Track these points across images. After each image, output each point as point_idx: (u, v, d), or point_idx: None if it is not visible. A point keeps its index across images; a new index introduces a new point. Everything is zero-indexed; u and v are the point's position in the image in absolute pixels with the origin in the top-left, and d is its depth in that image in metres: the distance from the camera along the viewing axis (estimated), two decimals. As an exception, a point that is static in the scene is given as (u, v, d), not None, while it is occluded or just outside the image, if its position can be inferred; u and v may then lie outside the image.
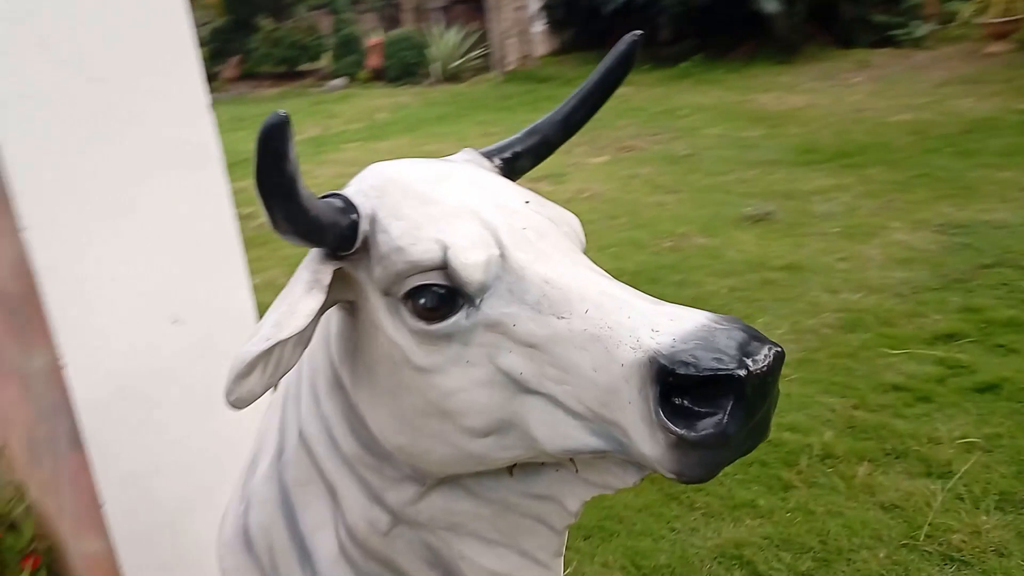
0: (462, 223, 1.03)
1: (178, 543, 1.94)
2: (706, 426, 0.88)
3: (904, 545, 2.52)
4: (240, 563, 1.41)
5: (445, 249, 1.00)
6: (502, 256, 1.01)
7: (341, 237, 1.05)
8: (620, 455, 0.97)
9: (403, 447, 1.11)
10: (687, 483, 0.95)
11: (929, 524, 2.58)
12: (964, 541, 2.49)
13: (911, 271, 4.70)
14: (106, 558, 1.94)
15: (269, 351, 0.98)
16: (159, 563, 1.95)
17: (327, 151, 10.32)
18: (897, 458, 2.94)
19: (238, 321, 1.93)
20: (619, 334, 0.93)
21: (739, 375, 0.87)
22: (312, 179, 8.79)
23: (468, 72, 15.11)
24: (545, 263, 1.02)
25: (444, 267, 0.99)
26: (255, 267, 6.13)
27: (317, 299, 1.03)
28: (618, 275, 3.95)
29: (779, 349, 0.93)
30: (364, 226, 1.06)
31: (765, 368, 0.90)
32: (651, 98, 11.07)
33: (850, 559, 2.49)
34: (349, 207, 1.07)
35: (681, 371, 0.87)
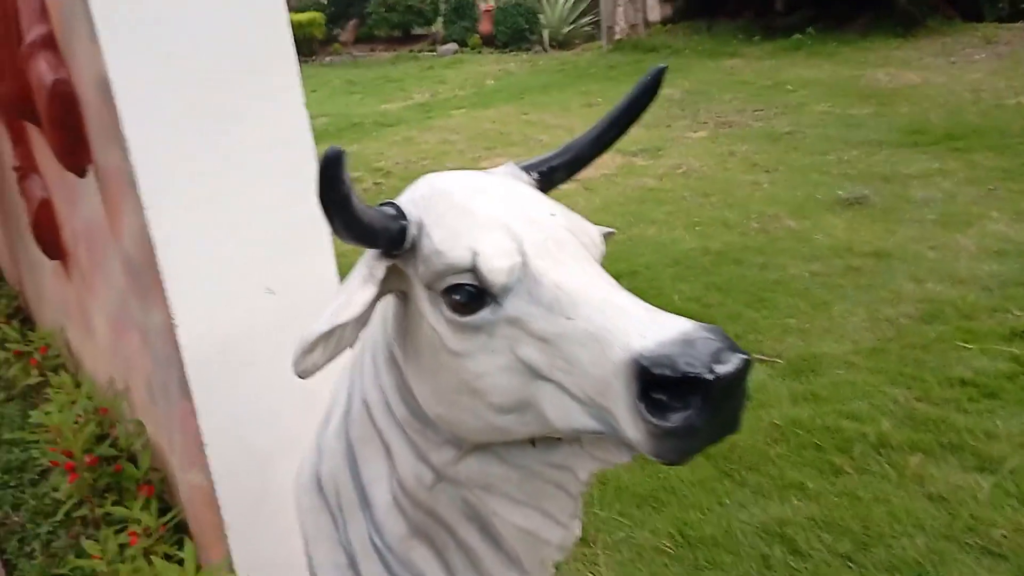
0: (492, 233, 1.22)
1: (266, 481, 2.23)
2: (677, 419, 1.05)
3: (945, 536, 2.62)
4: (313, 504, 1.67)
5: (476, 256, 1.20)
6: (524, 263, 1.20)
7: (392, 240, 1.26)
8: (613, 437, 1.16)
9: (442, 416, 1.33)
10: (666, 464, 1.13)
11: (972, 517, 2.66)
12: (1005, 536, 2.57)
13: (1002, 264, 4.63)
14: (207, 491, 2.25)
15: (330, 332, 1.22)
16: (250, 497, 2.24)
17: (434, 117, 10.61)
18: (952, 451, 3.01)
19: (322, 293, 2.19)
20: (613, 336, 1.11)
21: (707, 378, 1.04)
22: (417, 145, 9.11)
23: (577, 40, 15.13)
24: (559, 271, 1.21)
25: (474, 270, 1.19)
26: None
27: (371, 291, 1.25)
28: (702, 254, 4.18)
29: (747, 358, 1.09)
30: (412, 231, 1.27)
31: (731, 373, 1.06)
32: (759, 71, 10.90)
33: (889, 545, 2.60)
34: (400, 214, 1.28)
35: (658, 371, 1.05)
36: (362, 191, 7.70)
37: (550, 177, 1.47)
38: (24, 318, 4.89)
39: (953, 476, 2.87)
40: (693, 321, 1.12)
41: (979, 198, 5.73)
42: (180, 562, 2.37)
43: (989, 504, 2.71)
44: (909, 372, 3.58)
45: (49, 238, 3.37)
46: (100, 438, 3.17)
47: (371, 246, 1.27)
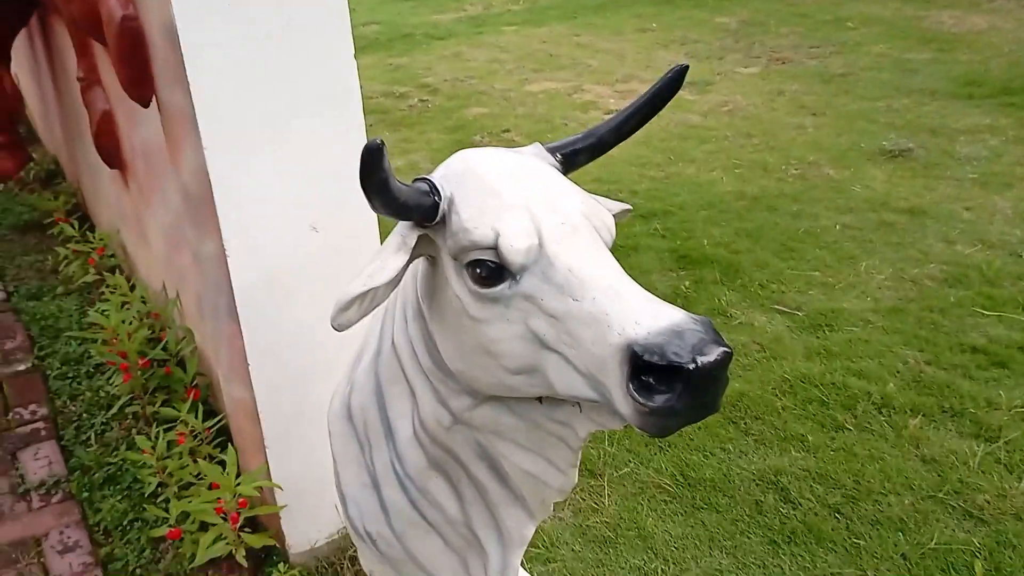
0: (515, 215, 1.37)
1: (304, 400, 2.44)
2: (661, 400, 1.21)
3: (931, 496, 2.78)
4: (343, 430, 1.86)
5: (497, 236, 1.34)
6: (540, 245, 1.35)
7: (424, 213, 1.41)
8: (607, 406, 1.32)
9: (460, 371, 1.50)
10: (651, 436, 1.30)
11: (960, 481, 2.82)
12: (988, 502, 2.72)
13: (1036, 230, 4.65)
14: (249, 405, 2.47)
15: (364, 293, 1.38)
16: (289, 414, 2.46)
17: (485, 32, 10.55)
18: (952, 417, 3.14)
19: (362, 233, 2.35)
20: (612, 321, 1.26)
21: (689, 368, 1.19)
22: (466, 62, 9.11)
23: (637, -44, 14.70)
24: (572, 255, 1.35)
25: (496, 248, 1.34)
26: (402, 148, 6.65)
27: (402, 258, 1.41)
28: (737, 198, 4.33)
29: (727, 351, 1.24)
30: (444, 206, 1.42)
31: (711, 365, 1.21)
32: (821, 4, 10.61)
33: (877, 501, 2.77)
34: (432, 191, 1.42)
35: (647, 357, 1.20)
36: (408, 108, 7.79)
37: (572, 160, 1.60)
38: (82, 215, 5.14)
39: (949, 440, 3.02)
40: (685, 313, 1.27)
41: (1025, 159, 5.68)
42: (222, 464, 2.62)
43: (978, 470, 2.86)
44: (923, 335, 3.68)
45: (109, 148, 3.55)
46: (151, 341, 3.42)
47: (406, 219, 1.42)
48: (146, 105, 2.51)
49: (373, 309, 1.44)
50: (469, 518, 1.75)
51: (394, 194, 1.33)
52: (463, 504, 1.74)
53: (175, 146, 2.37)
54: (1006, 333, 3.65)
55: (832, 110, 6.98)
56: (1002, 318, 3.77)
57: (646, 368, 1.21)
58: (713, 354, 1.21)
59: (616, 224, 1.68)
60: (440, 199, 1.41)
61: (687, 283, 4.25)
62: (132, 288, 3.84)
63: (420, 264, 1.57)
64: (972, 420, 3.11)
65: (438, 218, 1.41)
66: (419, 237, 1.44)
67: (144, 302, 3.68)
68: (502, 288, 1.35)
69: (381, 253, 1.43)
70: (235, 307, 2.30)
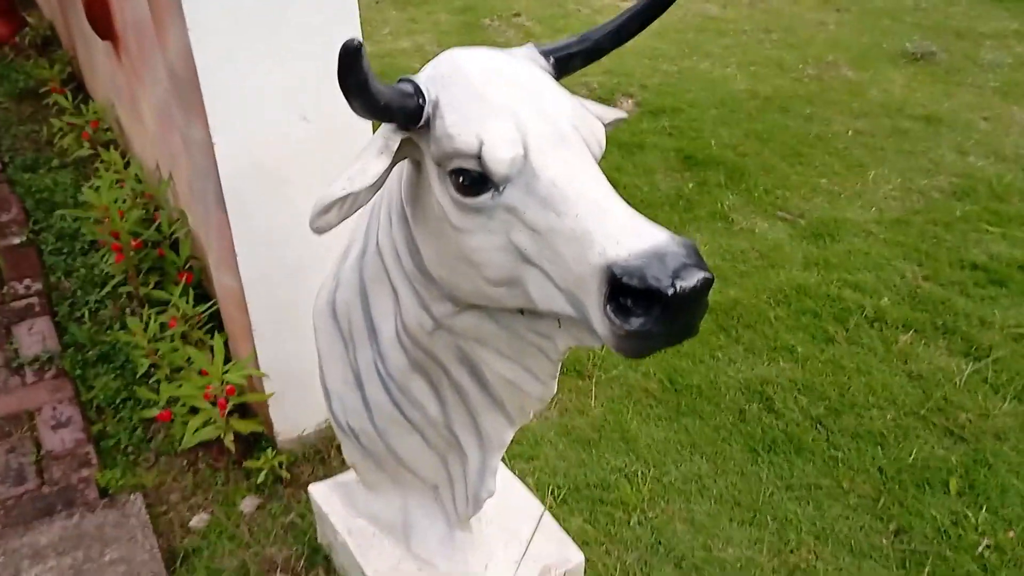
0: (500, 123, 1.31)
1: (294, 291, 2.42)
2: (637, 323, 1.19)
3: (913, 412, 2.80)
4: (327, 326, 1.86)
5: (481, 144, 1.29)
6: (525, 156, 1.30)
7: (407, 116, 1.35)
8: (585, 324, 1.30)
9: (442, 278, 1.48)
10: (627, 357, 1.28)
11: (944, 398, 2.83)
12: (970, 420, 2.75)
13: (1052, 145, 4.54)
14: (238, 294, 2.46)
15: (344, 197, 1.35)
16: (278, 304, 2.45)
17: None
18: (943, 334, 3.14)
19: (355, 124, 2.27)
20: (593, 239, 1.23)
21: (667, 292, 1.16)
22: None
23: None
24: (557, 168, 1.30)
25: (479, 158, 1.30)
26: (407, 28, 6.44)
27: (384, 162, 1.37)
28: (750, 98, 4.24)
29: (708, 276, 1.21)
30: (428, 109, 1.36)
31: (689, 290, 1.18)
32: None
33: (859, 414, 2.79)
34: (417, 92, 1.36)
35: (625, 280, 1.17)
36: None
37: (567, 64, 1.52)
38: (78, 85, 5.02)
39: (937, 358, 3.02)
40: (669, 233, 1.23)
41: (1050, 69, 5.49)
42: (213, 350, 2.63)
43: (964, 388, 2.87)
44: (925, 248, 3.64)
45: (101, 19, 3.43)
46: (146, 221, 3.38)
47: (389, 121, 1.37)
48: (131, -22, 2.40)
49: (354, 212, 1.40)
50: (450, 420, 1.77)
51: (375, 96, 1.28)
52: (444, 406, 1.74)
53: (160, 25, 2.28)
54: (1008, 251, 3.61)
55: (857, 6, 6.72)
56: (1006, 235, 3.72)
57: (625, 290, 1.18)
58: (693, 279, 1.18)
59: (623, 120, 1.62)
60: (424, 102, 1.35)
61: (691, 185, 4.18)
62: (127, 165, 3.78)
63: (405, 166, 1.52)
64: (963, 338, 3.10)
65: (422, 121, 1.36)
66: (403, 140, 1.39)
67: (139, 181, 3.63)
68: (484, 198, 1.31)
69: (363, 155, 1.38)
70: (222, 195, 2.26)
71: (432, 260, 1.48)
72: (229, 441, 2.54)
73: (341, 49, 1.20)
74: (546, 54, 1.51)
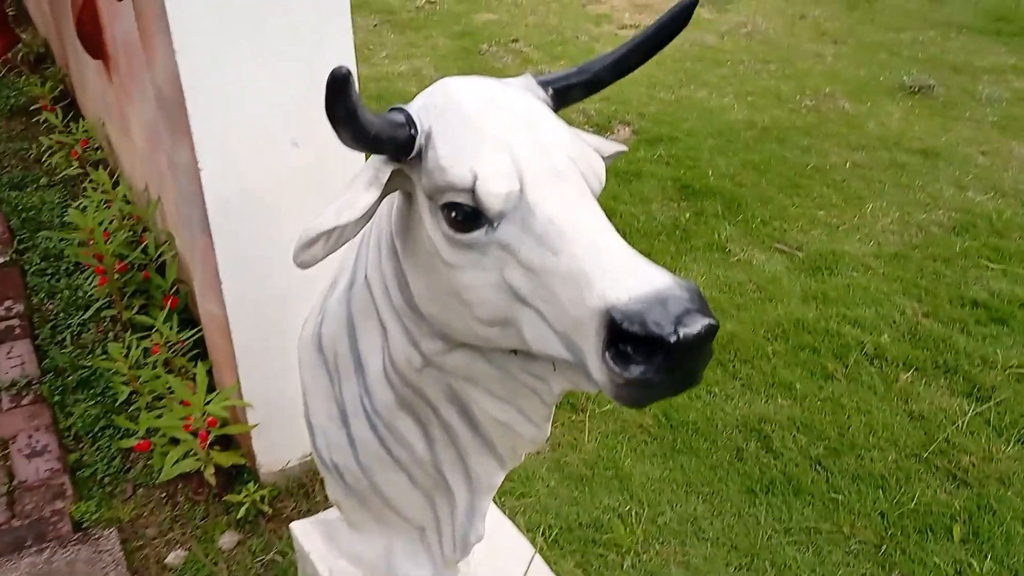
0: (495, 156, 1.25)
1: (280, 320, 2.35)
2: (637, 372, 1.12)
3: (915, 455, 2.73)
4: (313, 360, 1.78)
5: (475, 178, 1.23)
6: (521, 191, 1.23)
7: (398, 147, 1.29)
8: (582, 369, 1.23)
9: (432, 315, 1.41)
10: (626, 405, 1.21)
11: (946, 440, 2.76)
12: (973, 464, 2.68)
13: (1051, 182, 4.50)
14: (222, 321, 2.38)
15: (331, 230, 1.28)
16: (262, 332, 2.38)
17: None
18: (944, 373, 3.07)
19: (345, 152, 2.21)
20: (591, 280, 1.16)
21: (669, 340, 1.10)
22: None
23: None
24: (554, 204, 1.24)
25: (473, 192, 1.23)
26: (405, 52, 6.41)
27: (374, 194, 1.30)
28: (747, 128, 4.14)
29: (712, 323, 1.14)
30: (420, 140, 1.30)
31: (693, 338, 1.11)
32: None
33: (860, 455, 2.72)
34: (409, 122, 1.30)
35: (626, 326, 1.10)
36: (415, 9, 7.48)
37: (566, 95, 1.46)
38: (70, 102, 4.97)
39: (939, 398, 2.95)
40: (671, 275, 1.16)
41: (1048, 104, 5.48)
42: (195, 378, 2.55)
43: (967, 430, 2.81)
44: (924, 284, 3.59)
45: (92, 37, 3.37)
46: (133, 243, 3.31)
47: (378, 153, 1.31)
48: (120, -2, 2.34)
49: (341, 245, 1.33)
50: (438, 460, 1.69)
51: (364, 126, 1.22)
52: (432, 445, 1.67)
53: (148, 44, 2.22)
54: (1009, 288, 3.55)
55: (854, 38, 6.72)
56: (1007, 272, 3.67)
57: (624, 336, 1.12)
58: (696, 326, 1.12)
59: (622, 154, 1.57)
60: (416, 132, 1.29)
61: (688, 215, 4.12)
62: (115, 185, 3.71)
63: (396, 198, 1.46)
64: (965, 378, 3.04)
65: (414, 153, 1.29)
66: (394, 172, 1.33)
67: (127, 201, 3.56)
68: (478, 234, 1.25)
69: (351, 187, 1.32)
70: (208, 220, 2.19)
71: (422, 296, 1.42)
72: (209, 474, 2.45)
73: (329, 77, 1.14)
74: (544, 85, 1.45)
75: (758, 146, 4.87)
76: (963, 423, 2.83)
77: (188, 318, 3.02)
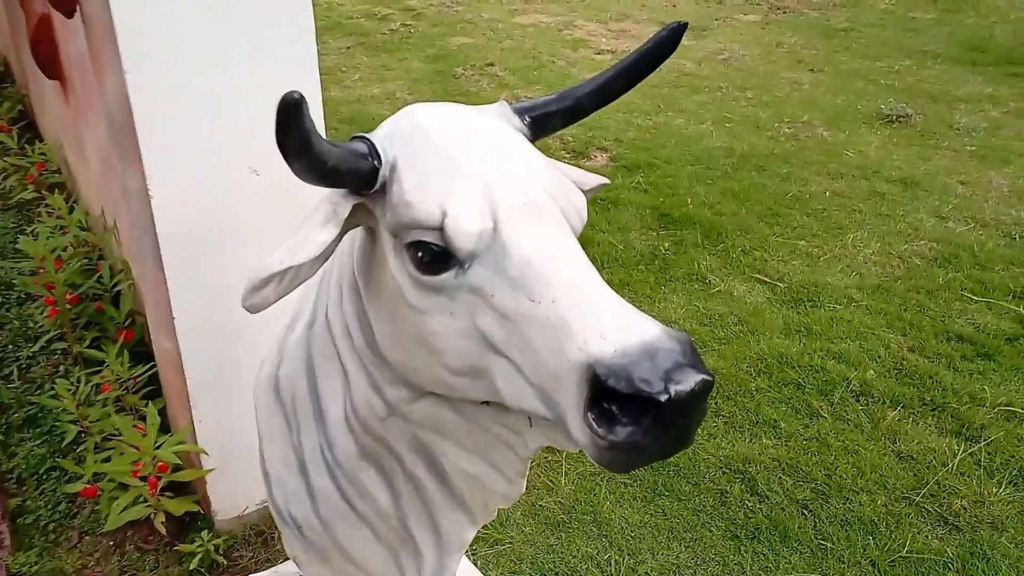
0: (467, 191, 1.13)
1: (233, 358, 2.20)
2: (623, 434, 0.99)
3: (905, 498, 2.61)
4: (269, 404, 1.64)
5: (444, 215, 1.10)
6: (495, 230, 1.11)
7: (360, 180, 1.17)
8: (561, 428, 1.10)
9: (397, 361, 1.28)
10: (611, 471, 1.09)
11: (937, 483, 2.65)
12: (964, 508, 2.57)
13: (1032, 212, 4.46)
14: (175, 357, 2.23)
15: (283, 271, 1.15)
16: (218, 371, 2.23)
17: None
18: (932, 411, 2.97)
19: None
20: (572, 330, 1.04)
21: (659, 399, 0.97)
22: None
23: None
24: (532, 243, 1.12)
25: (442, 230, 1.11)
26: (379, 75, 6.30)
27: (331, 232, 1.17)
28: (726, 155, 4.03)
29: (707, 379, 1.02)
30: (384, 171, 1.17)
31: (686, 396, 0.99)
32: (827, -47, 10.21)
33: (848, 498, 2.60)
34: (372, 152, 1.18)
35: (611, 383, 0.98)
36: (389, 32, 7.39)
37: (543, 124, 1.34)
38: (29, 123, 4.80)
39: (928, 437, 2.85)
40: (660, 326, 1.04)
41: (1024, 134, 5.46)
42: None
43: (957, 472, 2.70)
44: (908, 318, 3.50)
45: (46, 55, 3.23)
46: (87, 271, 3.15)
47: (338, 187, 1.18)
48: (70, 15, 2.20)
49: (296, 287, 1.21)
50: (403, 514, 1.55)
51: (319, 157, 1.10)
52: (397, 499, 1.53)
53: (99, 65, 2.08)
54: (995, 322, 3.47)
55: (831, 67, 6.70)
56: (991, 305, 3.59)
57: (609, 394, 0.99)
58: (689, 382, 1.00)
59: (604, 187, 1.46)
60: (380, 163, 1.17)
61: (666, 244, 4.02)
62: (72, 210, 3.55)
63: (358, 233, 1.33)
64: (953, 416, 2.94)
65: (377, 186, 1.17)
66: (355, 206, 1.20)
67: (83, 227, 3.40)
68: (447, 277, 1.13)
69: (306, 223, 1.19)
70: (159, 250, 2.04)
71: (386, 341, 1.28)
72: (160, 522, 2.28)
73: (279, 103, 1.02)
74: (521, 113, 1.33)
75: (737, 174, 4.79)
76: (953, 464, 2.72)
77: (145, 352, 2.85)
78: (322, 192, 1.22)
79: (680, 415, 1.00)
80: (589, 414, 1.00)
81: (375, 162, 1.17)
